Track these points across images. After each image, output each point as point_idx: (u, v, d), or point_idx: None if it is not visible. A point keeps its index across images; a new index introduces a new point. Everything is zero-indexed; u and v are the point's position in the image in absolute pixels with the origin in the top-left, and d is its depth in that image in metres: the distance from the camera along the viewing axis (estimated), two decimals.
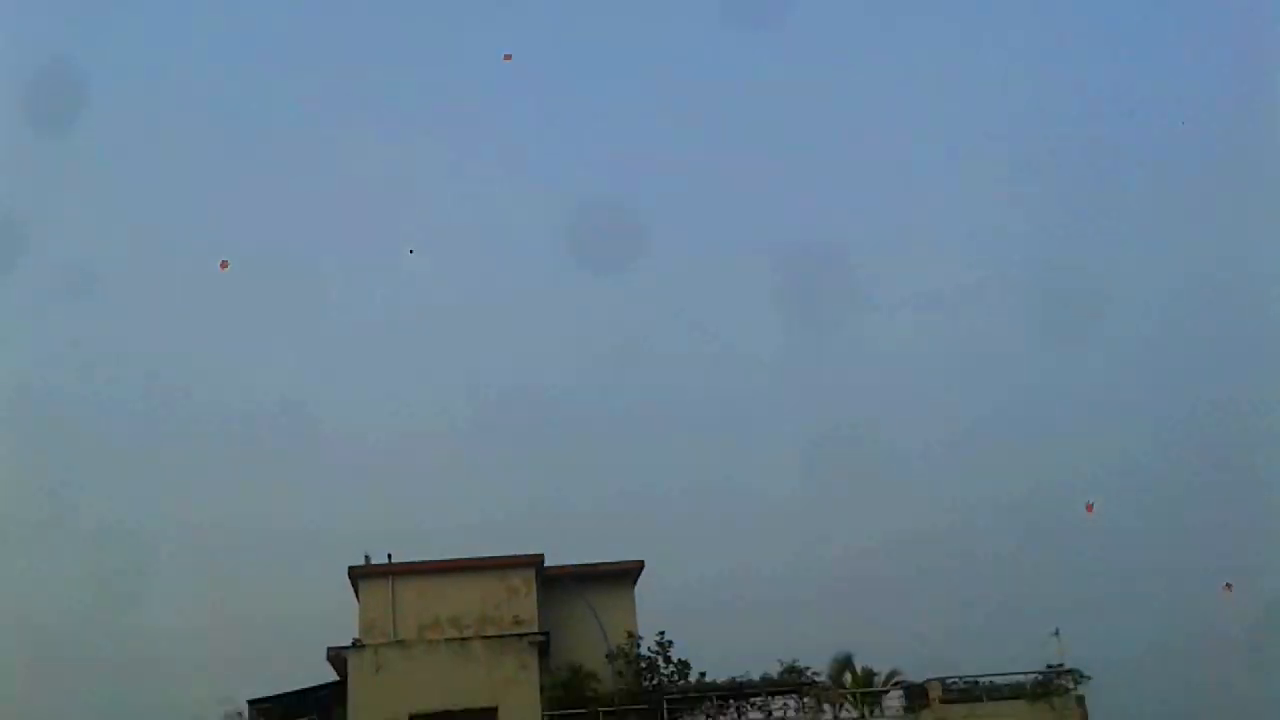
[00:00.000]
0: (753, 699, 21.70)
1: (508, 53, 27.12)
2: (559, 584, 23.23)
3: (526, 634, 21.69)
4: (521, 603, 22.22)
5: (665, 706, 21.14)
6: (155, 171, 40.92)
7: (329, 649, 21.67)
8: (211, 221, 37.61)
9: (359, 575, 22.38)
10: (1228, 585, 22.10)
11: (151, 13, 44.86)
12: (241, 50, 44.87)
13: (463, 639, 21.57)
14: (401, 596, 22.14)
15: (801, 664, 22.06)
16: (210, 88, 42.70)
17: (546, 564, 22.89)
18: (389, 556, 22.69)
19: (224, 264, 24.36)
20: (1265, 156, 36.62)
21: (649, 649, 22.51)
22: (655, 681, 22.21)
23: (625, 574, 23.99)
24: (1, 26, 39.84)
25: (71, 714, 27.69)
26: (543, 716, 21.05)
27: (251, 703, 22.06)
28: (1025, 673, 21.51)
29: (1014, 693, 21.19)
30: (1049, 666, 21.43)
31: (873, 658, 23.10)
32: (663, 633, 22.64)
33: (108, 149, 40.39)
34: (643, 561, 24.07)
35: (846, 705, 21.95)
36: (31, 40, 38.94)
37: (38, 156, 37.75)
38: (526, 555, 22.77)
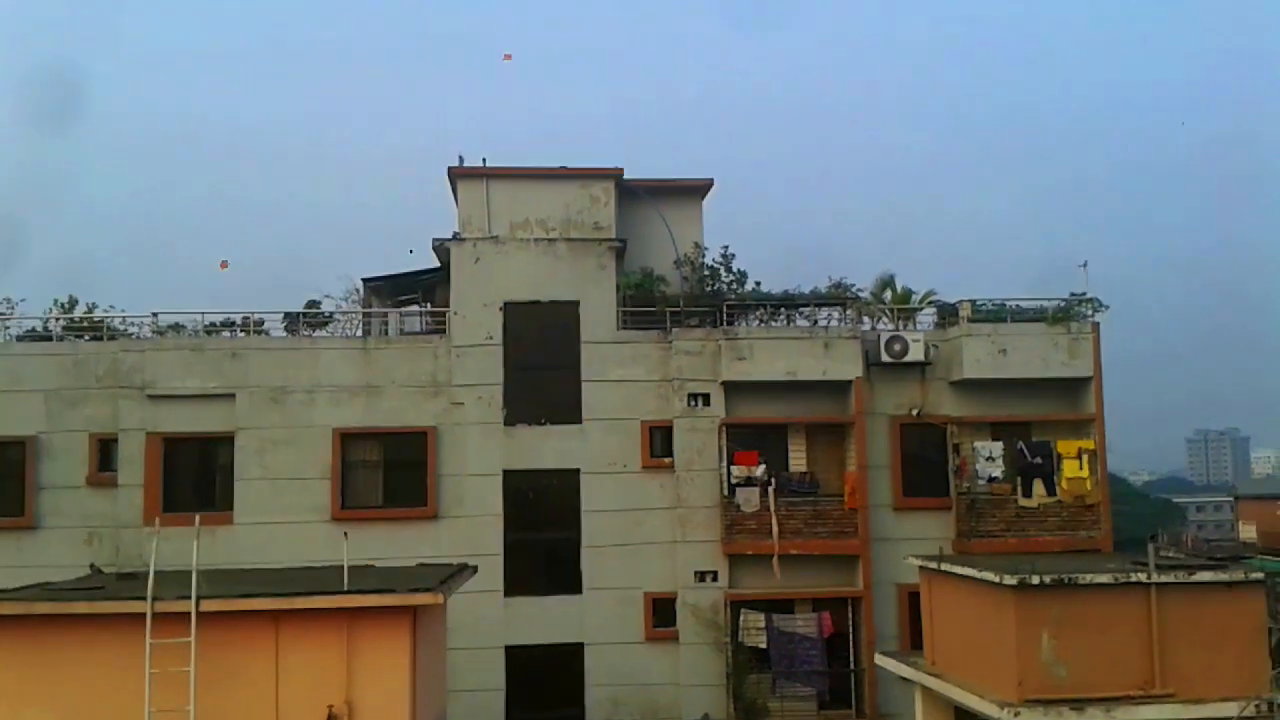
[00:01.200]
0: (801, 309, 24.44)
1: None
2: (635, 196, 25.52)
3: (606, 239, 24.25)
4: (601, 210, 24.55)
5: (724, 310, 23.95)
6: None
7: (434, 239, 24.44)
8: None
9: (457, 175, 24.66)
10: None
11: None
12: None
13: (549, 239, 24.16)
14: (495, 197, 24.41)
15: (848, 281, 24.70)
16: None
17: (625, 177, 25.08)
18: (484, 161, 24.90)
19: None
20: None
21: (714, 259, 25.18)
22: (716, 287, 25.03)
23: (696, 190, 26.26)
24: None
25: None
26: (618, 311, 24.05)
27: (366, 280, 25.33)
28: (1050, 299, 23.92)
29: (1037, 315, 23.71)
30: (1071, 294, 23.81)
31: (914, 280, 25.70)
32: (726, 246, 25.25)
33: None
34: (712, 179, 26.28)
35: (885, 319, 24.69)
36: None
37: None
38: (607, 168, 24.92)
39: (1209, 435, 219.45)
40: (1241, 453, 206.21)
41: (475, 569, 16.78)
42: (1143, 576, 13.91)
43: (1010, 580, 13.93)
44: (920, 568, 17.03)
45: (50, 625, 12.82)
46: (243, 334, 23.86)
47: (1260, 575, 13.98)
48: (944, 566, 16.15)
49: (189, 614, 12.50)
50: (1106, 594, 14.03)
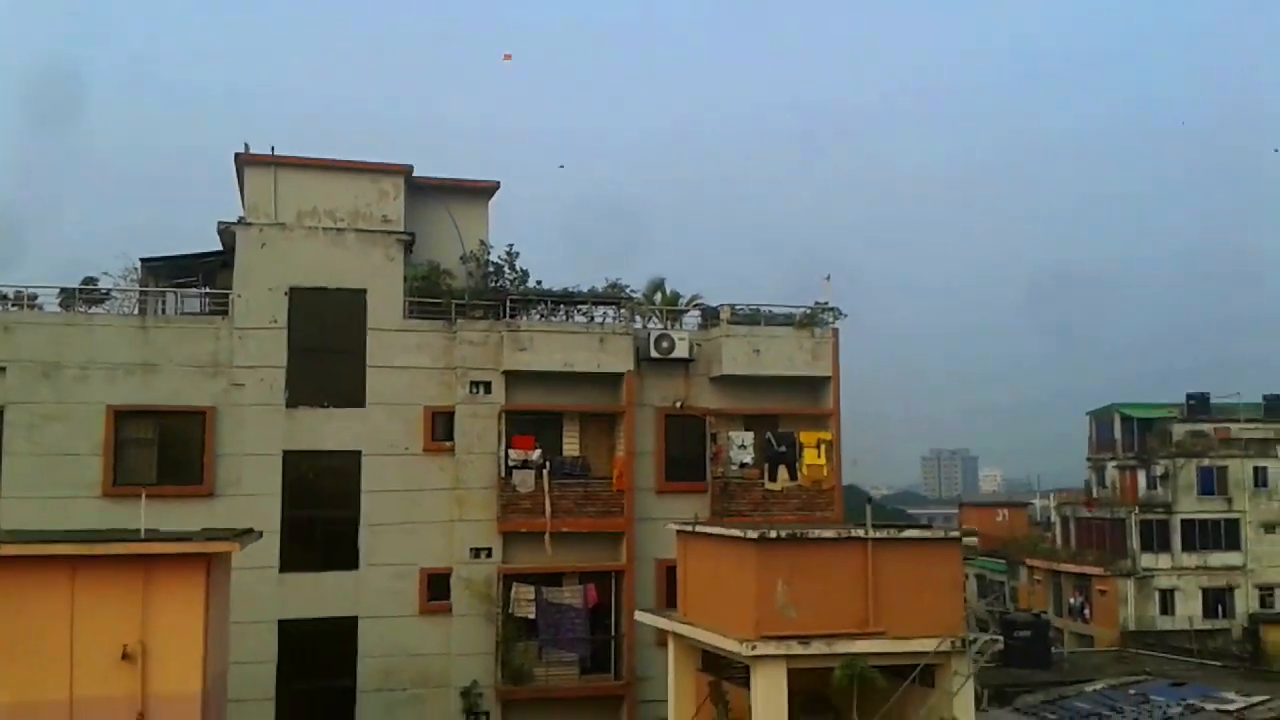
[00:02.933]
0: (579, 306, 26.23)
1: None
2: (424, 193, 26.62)
3: (394, 231, 25.27)
4: (390, 205, 25.52)
5: (507, 304, 25.39)
6: None
7: (219, 222, 24.70)
8: None
9: (245, 162, 25.03)
10: None
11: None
12: None
13: (338, 229, 24.93)
14: (283, 185, 24.97)
15: (623, 283, 26.67)
16: None
17: (415, 174, 26.16)
18: (272, 149, 25.39)
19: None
20: None
21: (499, 256, 26.61)
22: (500, 284, 26.46)
23: (483, 191, 27.63)
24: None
25: None
26: (405, 301, 25.08)
27: (144, 260, 25.26)
28: (797, 306, 26.71)
29: (787, 320, 26.41)
30: (816, 303, 26.67)
31: (681, 285, 27.99)
32: (511, 245, 26.75)
33: None
34: (499, 181, 27.74)
35: (655, 319, 26.80)
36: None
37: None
38: (397, 164, 25.94)
39: (941, 454, 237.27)
40: (970, 470, 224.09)
41: (260, 534, 17.49)
42: (861, 533, 16.33)
43: (752, 534, 16.06)
44: (678, 531, 19.01)
45: None
46: (15, 308, 23.41)
47: (957, 534, 16.66)
48: (698, 528, 18.20)
49: None
50: (832, 547, 16.40)
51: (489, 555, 24.47)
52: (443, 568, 24.29)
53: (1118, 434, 69.50)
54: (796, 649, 15.55)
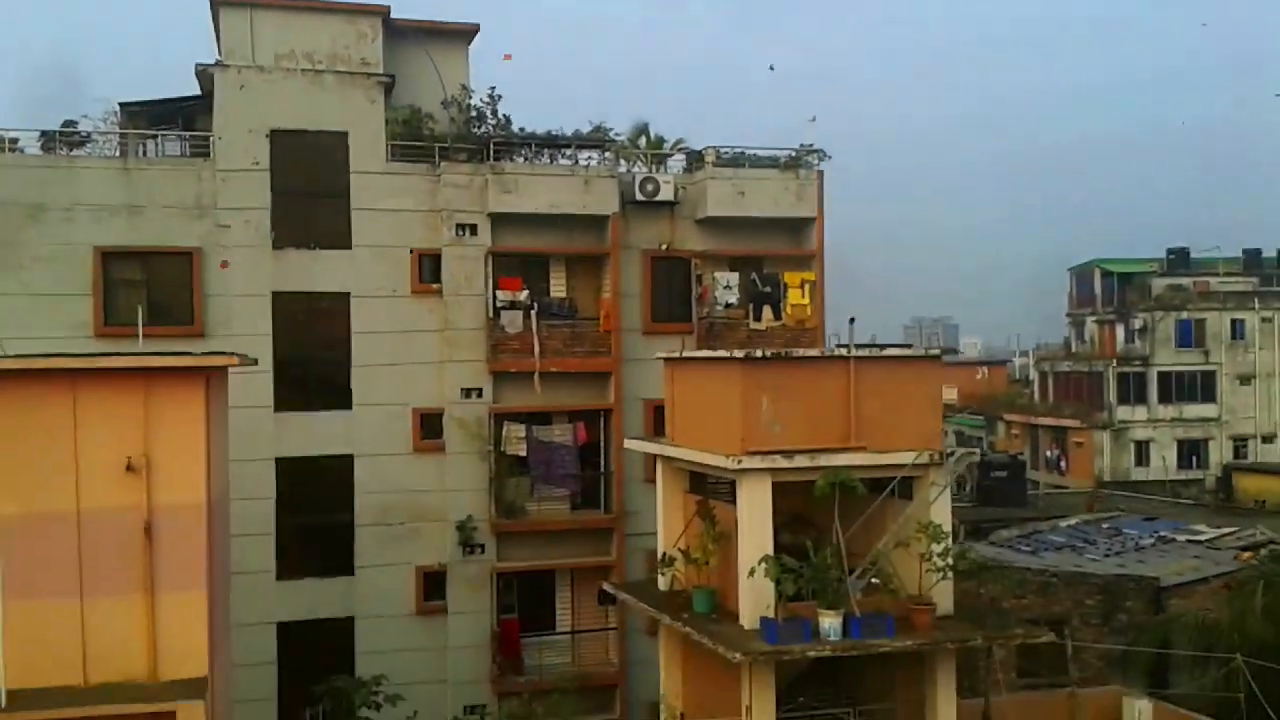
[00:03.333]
0: (564, 150, 26.11)
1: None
2: (402, 35, 26.17)
3: (374, 73, 24.94)
4: (369, 47, 25.11)
5: (491, 147, 25.25)
6: None
7: (197, 65, 24.33)
8: None
9: (220, 3, 24.53)
10: None
11: None
12: None
13: (317, 70, 24.58)
14: (259, 27, 24.52)
15: (607, 126, 26.50)
16: None
17: (392, 17, 25.68)
18: None
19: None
20: None
21: (481, 100, 26.34)
22: (483, 129, 26.24)
23: (462, 34, 27.17)
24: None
25: None
26: (387, 144, 24.91)
27: (123, 105, 24.89)
28: (783, 148, 26.65)
29: (772, 163, 26.39)
30: (801, 145, 26.62)
31: (665, 129, 27.86)
32: (493, 88, 26.44)
33: None
34: (478, 24, 27.27)
35: (639, 163, 26.73)
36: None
37: None
38: (374, 4, 25.43)
39: (923, 322, 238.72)
40: (952, 338, 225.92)
41: (256, 360, 17.77)
42: (844, 352, 16.73)
43: (738, 354, 16.46)
44: (665, 360, 19.39)
45: None
46: None
47: (937, 352, 17.08)
48: (685, 354, 18.60)
49: None
50: (815, 365, 16.84)
51: (479, 395, 24.91)
52: (435, 407, 24.75)
53: (1098, 289, 70.19)
54: (781, 462, 16.07)
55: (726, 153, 26.43)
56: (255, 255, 23.86)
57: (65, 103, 25.54)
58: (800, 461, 16.12)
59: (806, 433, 16.43)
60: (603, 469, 25.56)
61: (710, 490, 18.04)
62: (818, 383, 16.61)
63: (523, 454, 24.84)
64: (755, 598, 15.77)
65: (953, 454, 16.83)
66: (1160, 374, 64.60)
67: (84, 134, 23.86)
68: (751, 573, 15.54)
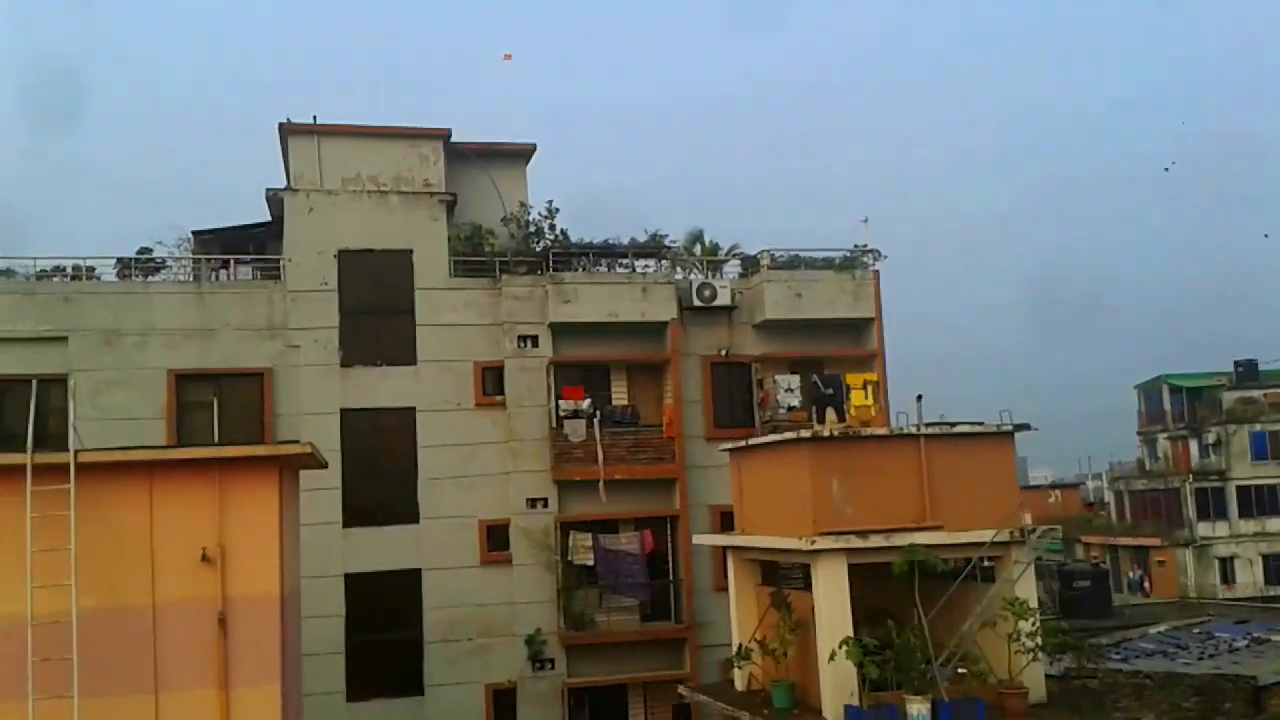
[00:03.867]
0: (620, 259, 26.60)
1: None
2: (462, 157, 27.13)
3: (436, 193, 25.79)
4: (431, 169, 26.06)
5: (550, 258, 25.80)
6: None
7: (267, 190, 25.33)
8: None
9: (289, 131, 25.65)
10: None
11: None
12: None
13: (382, 192, 25.49)
14: (326, 153, 25.56)
15: (662, 234, 26.99)
16: None
17: (453, 139, 26.67)
18: (314, 118, 26.01)
19: None
20: None
21: (538, 213, 27.02)
22: (541, 243, 26.86)
23: (520, 154, 28.07)
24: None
25: None
26: (450, 260, 25.58)
27: (196, 233, 25.92)
28: (836, 249, 26.91)
29: (827, 264, 26.60)
30: (855, 246, 26.86)
31: (720, 235, 28.29)
32: (550, 201, 27.18)
33: None
34: (535, 144, 28.18)
35: (696, 270, 27.10)
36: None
37: None
38: (435, 128, 26.46)
39: None
40: (1021, 470, 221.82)
41: (326, 464, 17.92)
42: (914, 430, 16.50)
43: (805, 434, 16.28)
44: (730, 451, 19.23)
45: None
46: (75, 280, 24.13)
47: (1010, 427, 16.76)
48: (750, 442, 18.44)
49: (67, 465, 13.38)
50: (884, 444, 16.58)
51: (545, 505, 24.79)
52: (501, 519, 24.65)
53: (1167, 405, 68.94)
54: (855, 542, 15.70)
55: (781, 255, 26.71)
56: (324, 373, 24.31)
57: (138, 231, 26.34)
58: (875, 541, 15.75)
59: (880, 513, 16.10)
60: (672, 577, 25.12)
61: (784, 580, 17.63)
62: (888, 462, 16.35)
63: (590, 563, 24.53)
64: (837, 685, 15.20)
65: (1034, 531, 16.35)
66: (1239, 488, 62.86)
67: (159, 260, 24.80)
68: (832, 657, 15.02)
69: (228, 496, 13.98)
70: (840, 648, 14.89)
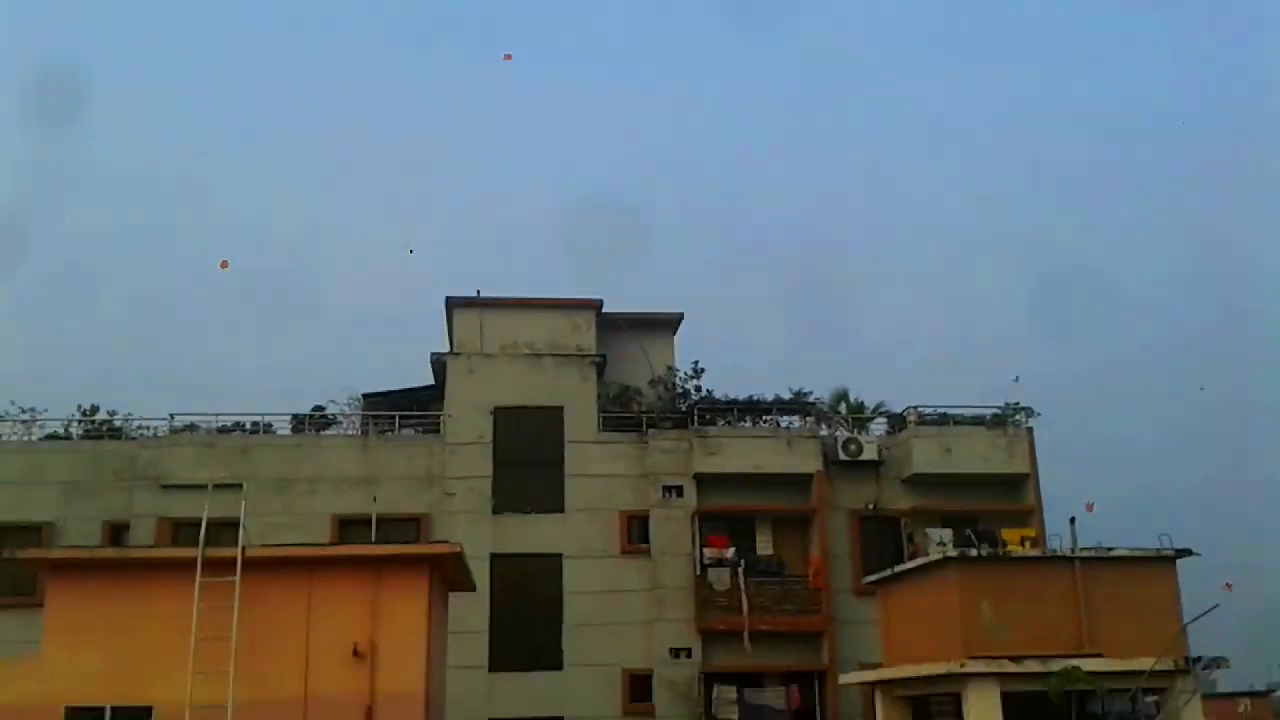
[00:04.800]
0: (765, 416, 26.97)
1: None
2: (613, 325, 28.36)
3: (587, 354, 26.97)
4: (583, 336, 27.36)
5: (695, 412, 26.40)
6: None
7: (432, 354, 27.03)
8: None
9: (454, 304, 27.50)
10: None
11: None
12: None
13: (536, 354, 26.84)
14: (487, 322, 27.23)
15: (806, 390, 27.33)
16: None
17: (604, 309, 28.02)
18: (477, 292, 27.79)
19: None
20: None
21: (684, 373, 27.80)
22: (686, 403, 27.52)
23: (668, 322, 29.18)
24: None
25: None
26: (598, 418, 26.45)
27: (366, 395, 27.63)
28: (987, 407, 26.65)
29: (976, 421, 26.36)
30: (1006, 403, 26.57)
31: (865, 393, 28.44)
32: (696, 361, 27.98)
33: None
34: (683, 314, 29.28)
35: (841, 427, 27.20)
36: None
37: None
38: (589, 299, 27.90)
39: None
40: (1209, 683, 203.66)
41: (474, 585, 18.41)
42: (1067, 552, 15.98)
43: (953, 553, 15.96)
44: (876, 582, 18.85)
45: (106, 571, 14.47)
46: (252, 434, 25.90)
47: (1170, 552, 16.06)
48: (897, 569, 18.08)
49: (234, 560, 14.28)
50: (1037, 566, 16.07)
51: (689, 655, 24.49)
52: (644, 668, 24.42)
53: None
54: (1009, 667, 15.07)
55: (929, 413, 26.62)
56: (476, 520, 25.07)
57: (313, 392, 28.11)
58: (1030, 666, 15.09)
59: (1034, 639, 15.48)
60: None
61: (934, 714, 16.90)
62: (1042, 586, 15.83)
63: (734, 718, 23.88)
64: None
65: (1199, 660, 15.39)
66: None
67: (331, 417, 26.43)
68: None
69: (380, 594, 14.64)
70: None
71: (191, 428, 26.13)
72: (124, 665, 14.00)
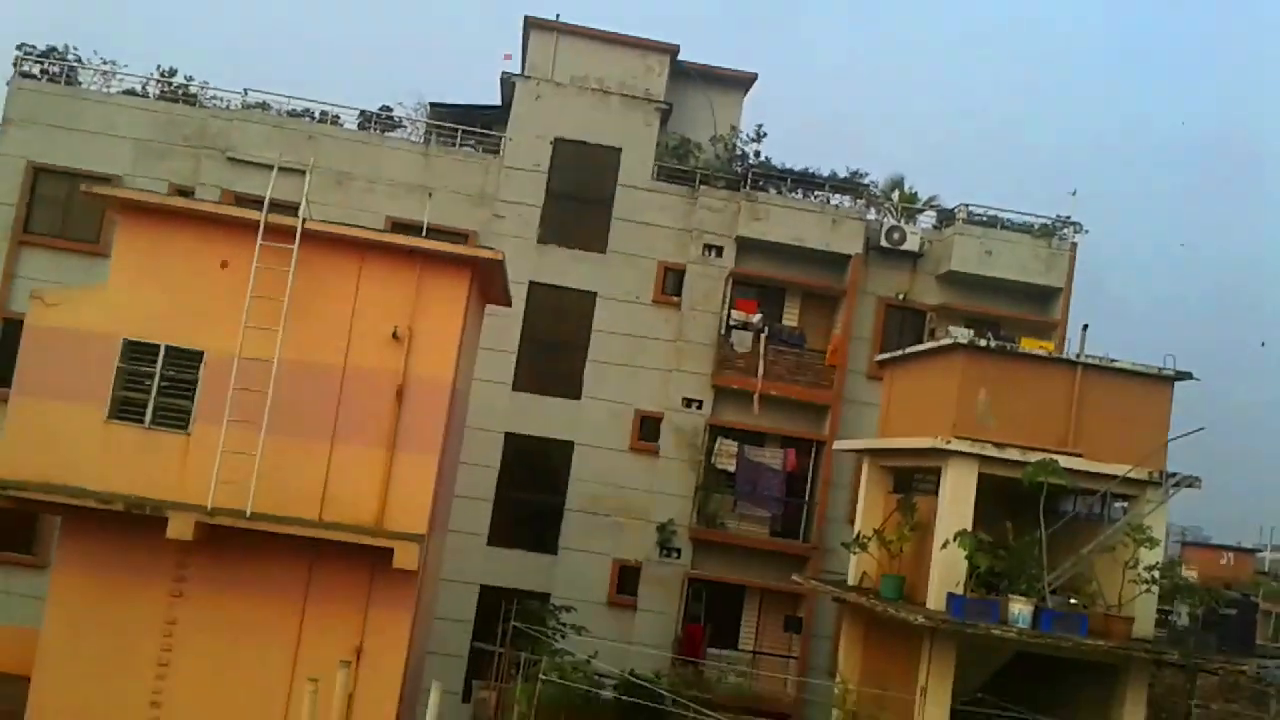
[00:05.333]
0: (817, 191, 27.26)
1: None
2: (686, 76, 28.29)
3: (654, 100, 27.08)
4: (654, 80, 27.33)
5: (748, 176, 26.72)
6: None
7: (503, 73, 27.21)
8: None
9: (532, 24, 27.43)
10: None
11: None
12: None
13: (605, 91, 26.97)
14: (561, 50, 27.21)
15: (863, 172, 27.51)
16: None
17: (680, 57, 27.86)
18: (557, 16, 27.66)
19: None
20: None
21: (746, 135, 27.94)
22: (743, 166, 27.77)
23: (741, 81, 29.04)
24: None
25: None
26: (654, 166, 26.83)
27: (433, 105, 28.05)
28: (1039, 215, 26.81)
29: (1024, 228, 26.57)
30: (1058, 216, 26.69)
31: (921, 185, 28.54)
32: (760, 125, 28.06)
33: None
34: (757, 74, 29.09)
35: (889, 214, 27.47)
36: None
37: None
38: (666, 43, 27.71)
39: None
40: (1199, 534, 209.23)
41: (510, 301, 19.49)
42: (1073, 356, 16.73)
43: (962, 340, 16.75)
44: (883, 361, 19.79)
45: (175, 219, 15.50)
46: (320, 122, 26.55)
47: (1172, 373, 16.75)
48: (907, 350, 18.97)
49: (294, 229, 15.26)
50: (1040, 365, 16.86)
51: (699, 407, 25.85)
52: (656, 411, 25.85)
53: None
54: (991, 450, 16.10)
55: (979, 213, 26.81)
56: (521, 246, 25.92)
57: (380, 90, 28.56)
58: (1011, 455, 16.09)
59: (1021, 431, 16.42)
60: (807, 499, 25.80)
61: (915, 488, 18.13)
62: (1041, 383, 16.65)
63: (731, 470, 25.47)
64: (945, 575, 15.71)
65: (1173, 475, 16.33)
66: None
67: (397, 119, 26.97)
68: (945, 545, 15.52)
69: (424, 285, 15.67)
70: (955, 538, 15.37)
71: (263, 106, 26.79)
72: (183, 309, 15.15)
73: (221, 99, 26.88)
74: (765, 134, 27.72)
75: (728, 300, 26.05)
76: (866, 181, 27.30)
